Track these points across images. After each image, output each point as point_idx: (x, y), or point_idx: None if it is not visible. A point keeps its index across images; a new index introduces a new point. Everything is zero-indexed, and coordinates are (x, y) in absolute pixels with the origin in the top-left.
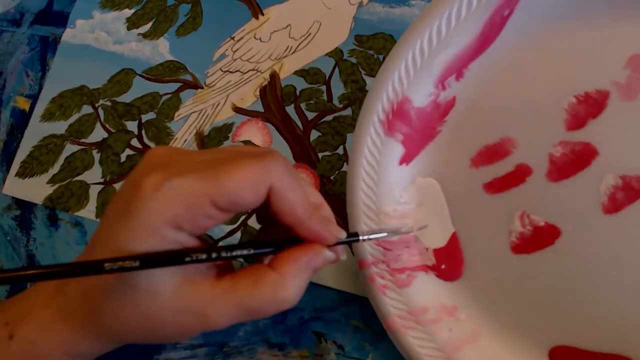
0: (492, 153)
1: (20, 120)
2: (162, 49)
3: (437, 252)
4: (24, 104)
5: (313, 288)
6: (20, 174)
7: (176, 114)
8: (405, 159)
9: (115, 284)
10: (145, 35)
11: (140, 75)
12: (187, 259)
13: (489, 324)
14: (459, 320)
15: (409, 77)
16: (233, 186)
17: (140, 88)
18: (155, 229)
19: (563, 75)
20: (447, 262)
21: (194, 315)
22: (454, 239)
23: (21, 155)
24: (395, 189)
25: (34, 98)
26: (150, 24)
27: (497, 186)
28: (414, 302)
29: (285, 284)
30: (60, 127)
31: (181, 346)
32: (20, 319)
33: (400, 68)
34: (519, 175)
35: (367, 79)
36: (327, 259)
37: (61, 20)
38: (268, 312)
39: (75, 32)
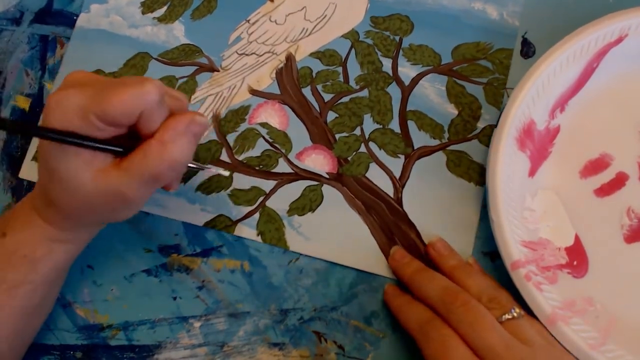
0: (596, 166)
1: (20, 119)
2: (177, 33)
3: (568, 250)
4: (23, 103)
5: (313, 287)
6: (37, 159)
7: (192, 97)
8: (531, 172)
9: (49, 179)
10: (160, 19)
11: (156, 59)
12: (70, 139)
13: (620, 309)
14: (597, 310)
15: (534, 104)
16: (111, 111)
17: (156, 72)
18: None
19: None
20: (577, 259)
21: (114, 195)
22: (577, 239)
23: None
24: (527, 196)
25: (33, 97)
26: (165, 8)
27: (605, 190)
28: (563, 296)
29: (167, 148)
30: None
31: (181, 346)
32: (10, 220)
33: (529, 94)
34: (620, 180)
35: (384, 60)
36: (201, 123)
37: (61, 19)
38: (165, 173)
39: (90, 17)
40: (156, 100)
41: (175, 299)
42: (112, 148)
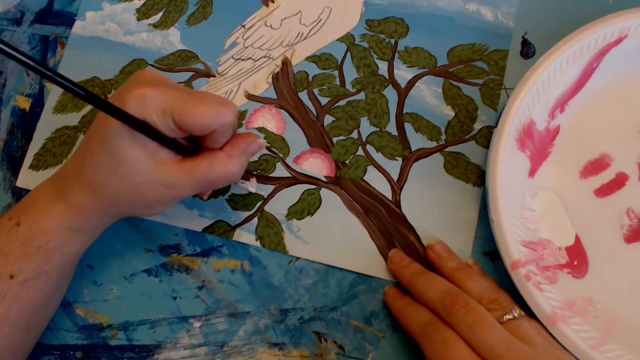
0: (596, 166)
1: (21, 120)
2: (173, 39)
3: (568, 249)
4: (24, 103)
5: (313, 287)
6: (34, 167)
7: None
8: (531, 172)
9: (105, 160)
10: (155, 26)
11: (152, 65)
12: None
13: (620, 309)
14: (597, 310)
15: (534, 104)
16: (190, 121)
17: None
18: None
19: (638, 103)
20: (577, 259)
21: (167, 186)
22: (577, 239)
23: (34, 147)
24: (527, 196)
25: (34, 97)
26: (160, 14)
27: (605, 191)
28: (563, 296)
29: (232, 162)
30: (72, 118)
31: (181, 346)
32: (26, 208)
33: (529, 95)
34: (620, 180)
35: (380, 63)
36: (260, 145)
37: (61, 19)
38: (221, 183)
39: (85, 24)
40: (230, 123)
41: (175, 298)
42: (181, 147)
